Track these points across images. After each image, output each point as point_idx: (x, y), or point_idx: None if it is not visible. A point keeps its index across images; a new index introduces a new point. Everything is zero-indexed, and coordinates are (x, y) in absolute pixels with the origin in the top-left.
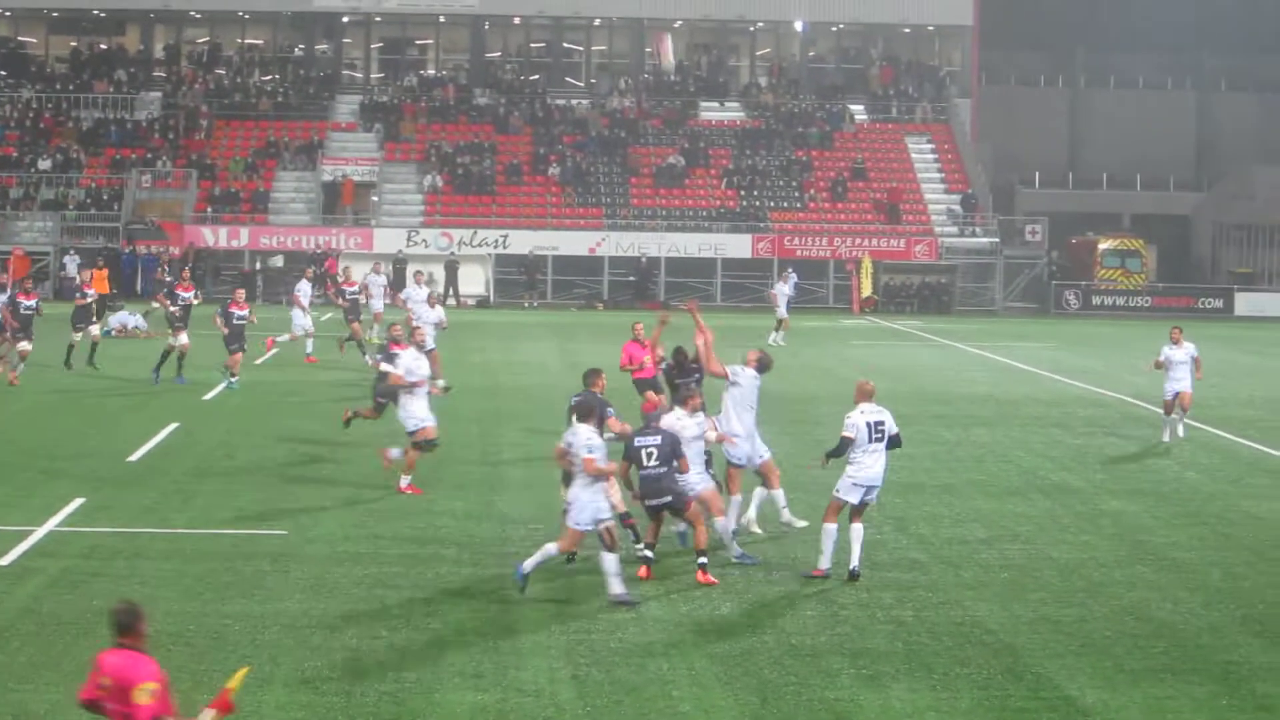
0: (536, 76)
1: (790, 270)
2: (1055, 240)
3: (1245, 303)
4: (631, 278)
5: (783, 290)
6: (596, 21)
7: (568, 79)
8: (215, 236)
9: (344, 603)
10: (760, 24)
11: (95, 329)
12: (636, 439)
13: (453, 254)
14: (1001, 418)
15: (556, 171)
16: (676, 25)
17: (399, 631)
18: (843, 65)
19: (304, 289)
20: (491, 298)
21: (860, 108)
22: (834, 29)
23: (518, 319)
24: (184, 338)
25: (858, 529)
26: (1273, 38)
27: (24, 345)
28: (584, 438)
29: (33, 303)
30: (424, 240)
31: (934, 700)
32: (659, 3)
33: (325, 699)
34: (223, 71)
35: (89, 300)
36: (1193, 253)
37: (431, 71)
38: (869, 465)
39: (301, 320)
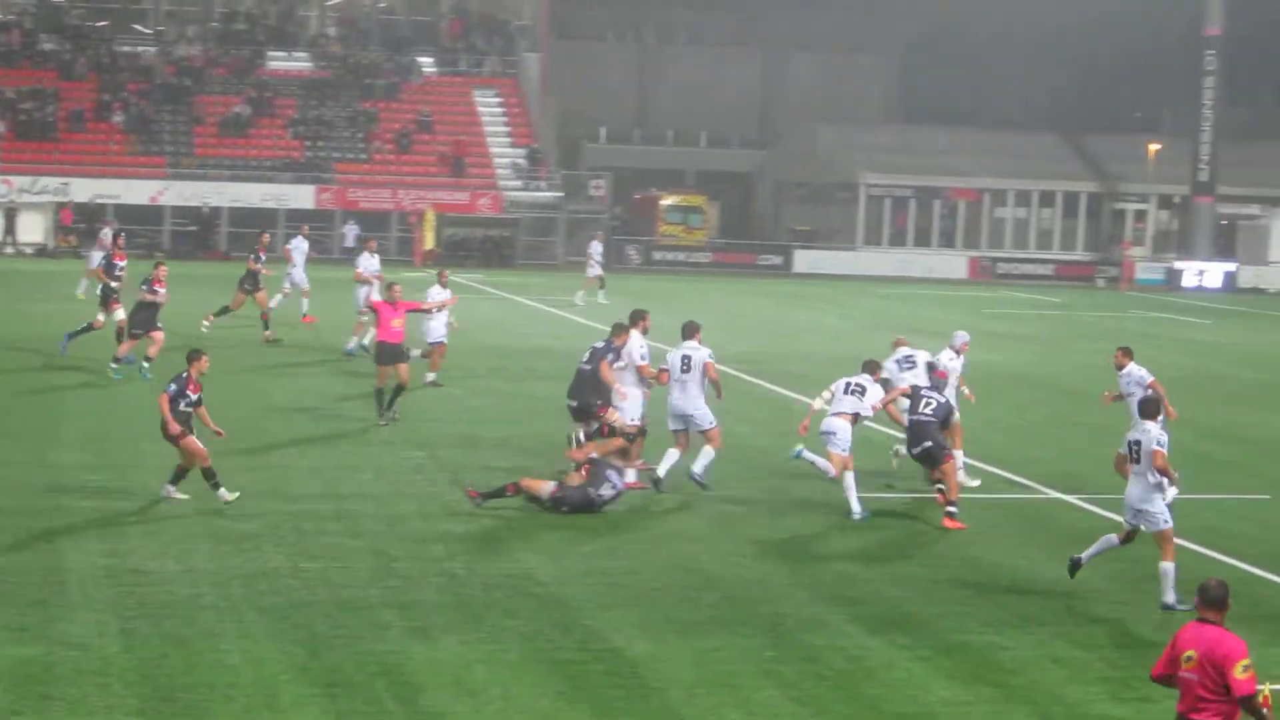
0: (104, 23)
1: (352, 222)
2: (620, 196)
3: (804, 260)
4: (194, 227)
5: (595, 249)
6: None
7: (135, 25)
8: None
9: None
10: None
11: None
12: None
13: (12, 201)
14: (559, 371)
15: (120, 119)
16: None
17: None
18: (412, 17)
19: (300, 245)
20: (51, 246)
21: (429, 60)
22: None
23: (75, 268)
24: None
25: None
26: None
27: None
28: None
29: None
30: None
31: (483, 653)
32: None
33: None
34: None
35: None
36: (754, 210)
37: None
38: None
39: (298, 276)
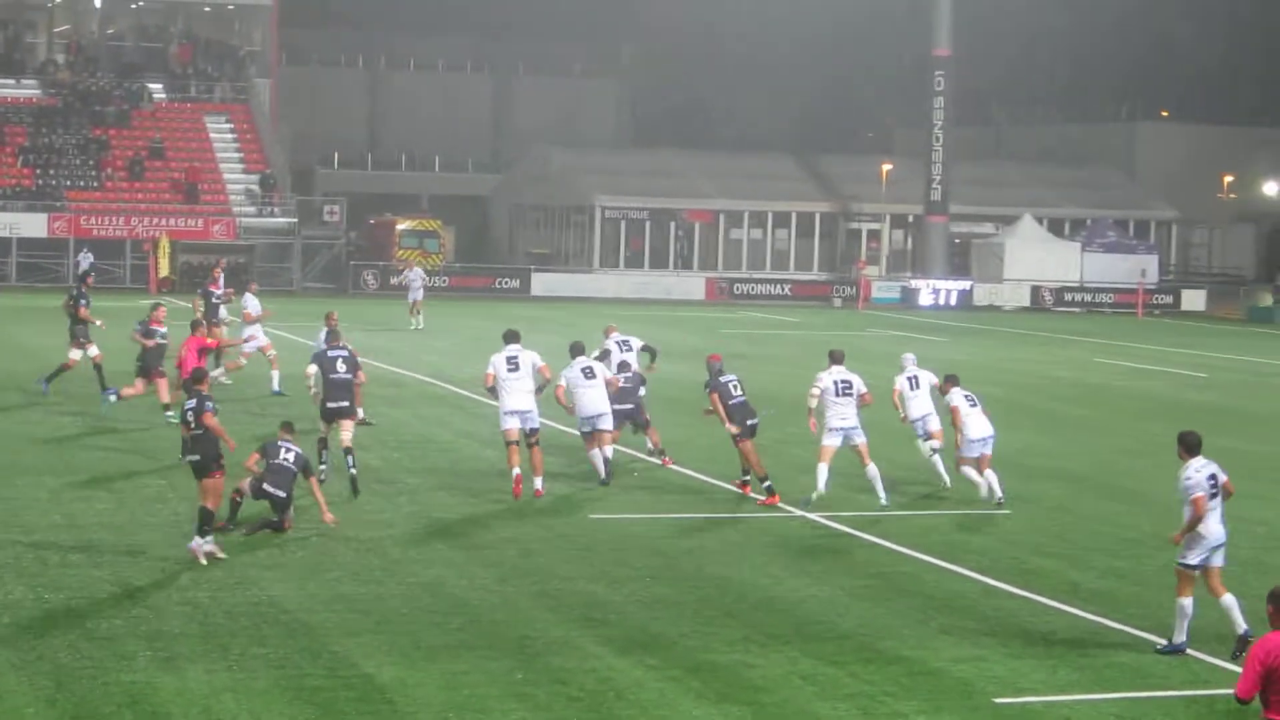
0: None
1: (86, 250)
2: (354, 221)
3: (541, 283)
4: None
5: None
6: None
7: None
8: None
9: None
10: (58, 0)
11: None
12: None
13: None
14: (298, 398)
15: None
16: None
17: None
18: (142, 44)
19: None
20: None
21: (159, 86)
22: (133, 6)
23: None
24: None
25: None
26: (567, 23)
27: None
28: None
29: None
30: None
31: (231, 681)
32: None
33: None
34: None
35: None
36: (491, 233)
37: None
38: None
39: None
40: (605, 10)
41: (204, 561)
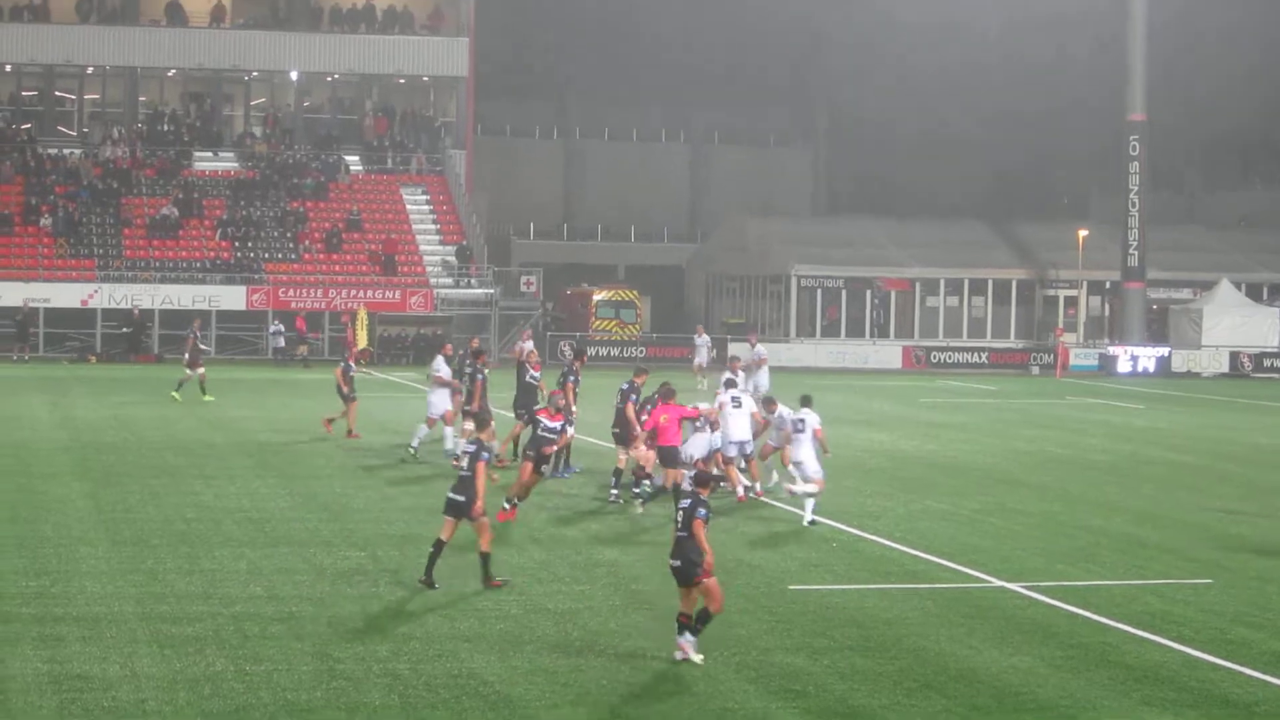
0: (28, 125)
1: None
2: (550, 291)
3: (739, 352)
4: (125, 330)
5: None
6: (89, 69)
7: (60, 127)
8: None
9: None
10: (255, 73)
11: None
12: None
13: None
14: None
15: (48, 222)
16: (171, 74)
17: None
18: (338, 116)
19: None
20: None
21: (355, 158)
22: (329, 79)
23: (6, 373)
24: None
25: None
26: (759, 92)
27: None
28: None
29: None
30: None
31: None
32: (152, 51)
33: None
34: None
35: None
36: (687, 303)
37: None
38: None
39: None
40: (799, 79)
41: (698, 659)
